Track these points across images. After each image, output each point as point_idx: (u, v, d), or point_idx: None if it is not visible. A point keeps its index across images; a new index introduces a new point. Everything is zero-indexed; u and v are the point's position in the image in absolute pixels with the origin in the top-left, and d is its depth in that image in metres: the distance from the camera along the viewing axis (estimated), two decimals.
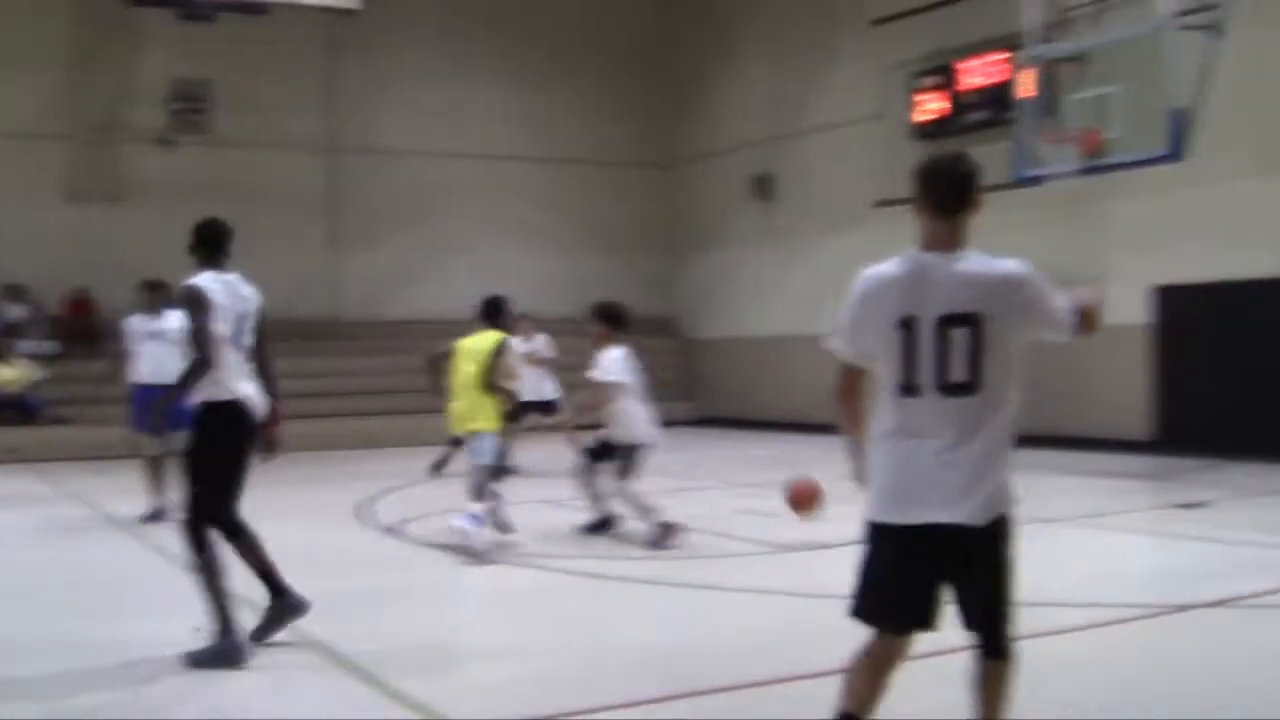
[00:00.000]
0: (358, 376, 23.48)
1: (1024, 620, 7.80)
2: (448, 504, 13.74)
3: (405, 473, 17.25)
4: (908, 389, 4.61)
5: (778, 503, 13.95)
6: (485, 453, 10.77)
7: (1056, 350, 18.38)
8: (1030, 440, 18.92)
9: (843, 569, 9.97)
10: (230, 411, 7.14)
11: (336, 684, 6.61)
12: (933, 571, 4.79)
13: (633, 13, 28.56)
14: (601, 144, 27.89)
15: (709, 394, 27.53)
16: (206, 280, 7.30)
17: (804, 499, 6.48)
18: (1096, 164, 16.25)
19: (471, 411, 10.91)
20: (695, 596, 8.92)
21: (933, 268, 4.70)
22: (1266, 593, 8.40)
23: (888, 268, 4.83)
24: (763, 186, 25.90)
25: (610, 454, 11.58)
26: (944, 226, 4.77)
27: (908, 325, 4.62)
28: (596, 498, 11.80)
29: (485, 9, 26.61)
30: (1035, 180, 16.99)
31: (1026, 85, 17.34)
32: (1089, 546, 10.82)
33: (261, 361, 7.50)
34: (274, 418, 7.42)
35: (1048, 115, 17.24)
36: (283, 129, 24.95)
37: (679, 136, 28.56)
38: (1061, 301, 4.82)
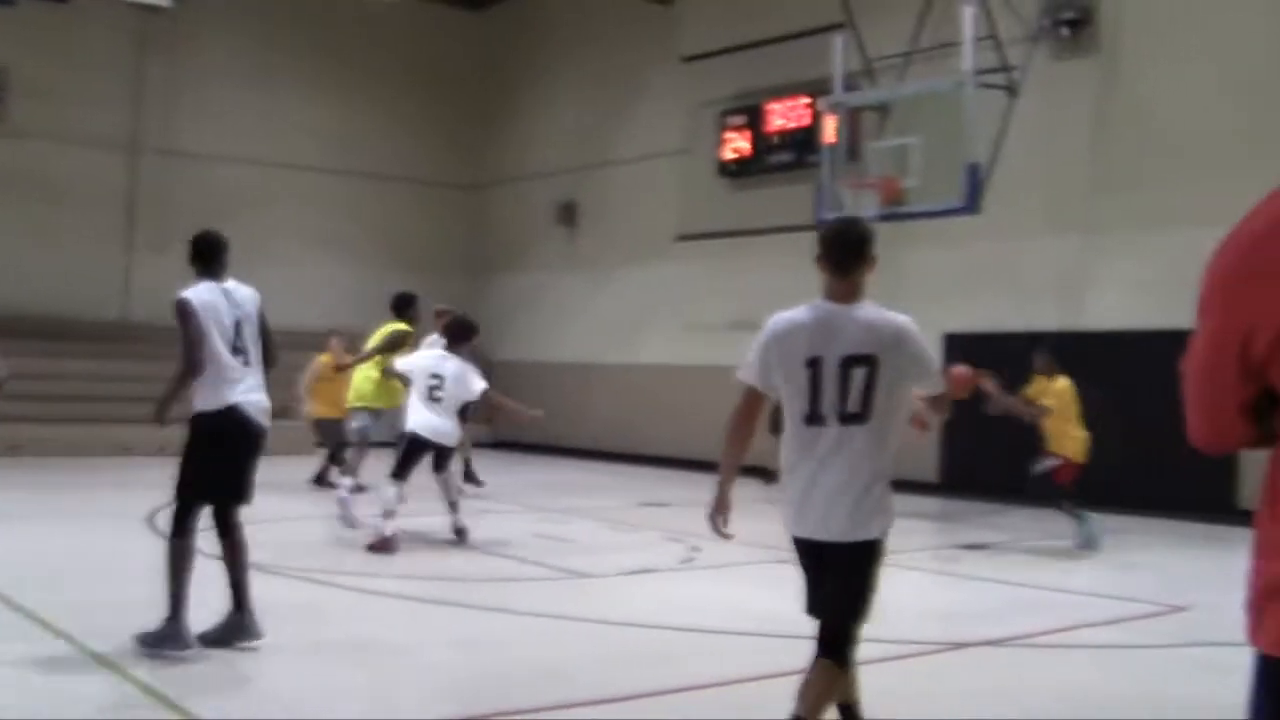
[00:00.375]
0: (150, 382, 22.84)
1: (807, 652, 8.07)
2: (247, 514, 13.60)
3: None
4: (811, 418, 5.32)
5: (574, 528, 14.18)
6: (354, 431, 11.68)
7: None
8: None
9: (639, 597, 10.20)
10: (219, 420, 7.36)
11: (119, 691, 6.51)
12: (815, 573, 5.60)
13: (447, 34, 28.50)
14: (410, 162, 27.76)
15: (505, 417, 27.47)
16: (196, 291, 7.33)
17: (962, 381, 7.28)
18: (895, 211, 16.67)
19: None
20: (491, 619, 8.94)
21: (835, 315, 5.49)
22: (1041, 633, 8.77)
23: (796, 314, 5.63)
24: (568, 214, 26.06)
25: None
26: (843, 283, 5.60)
27: (814, 364, 5.35)
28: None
29: (300, 19, 26.27)
30: None
31: (830, 131, 17.76)
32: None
33: (265, 364, 7.89)
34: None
35: (850, 161, 17.68)
36: (83, 123, 24.22)
37: (487, 159, 28.58)
38: (935, 362, 5.60)
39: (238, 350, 7.42)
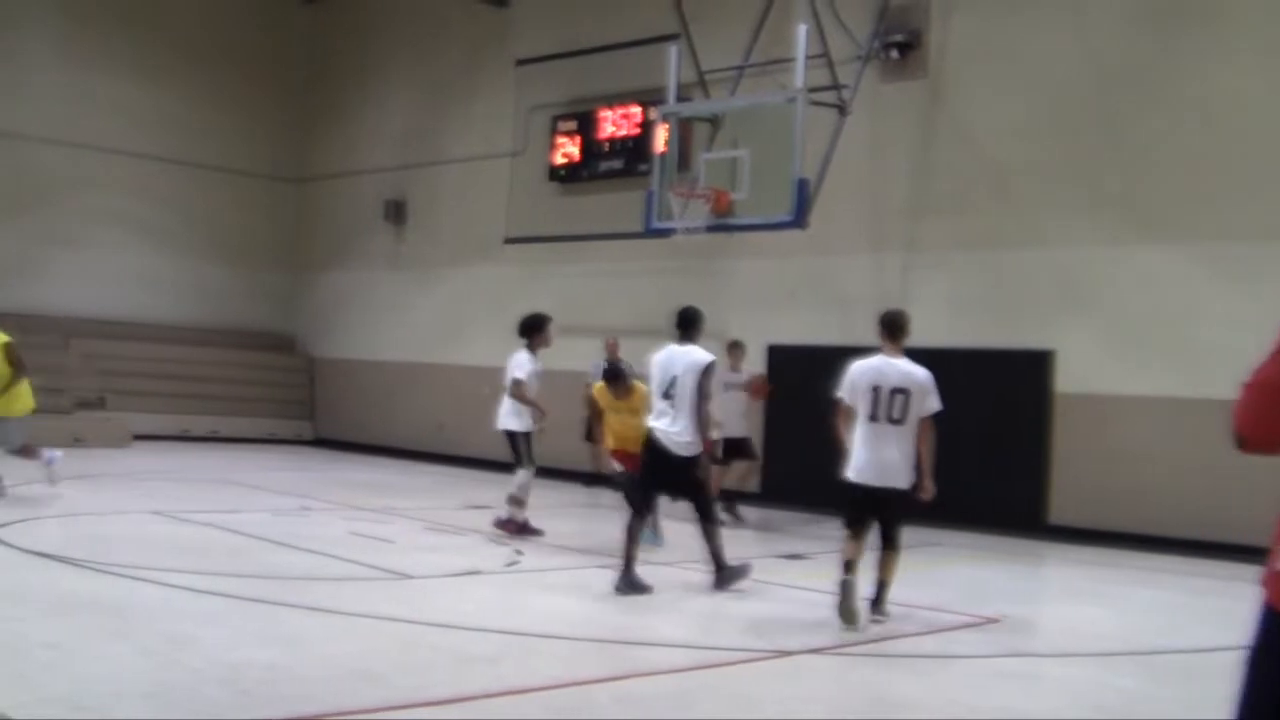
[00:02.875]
0: None
1: (629, 658, 8.13)
2: (57, 508, 13.26)
3: (6, 474, 16.40)
4: (873, 419, 9.53)
5: (393, 528, 14.06)
6: None
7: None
8: None
9: (455, 599, 10.15)
10: None
11: None
12: (871, 508, 9.59)
13: (278, 23, 28.12)
14: (234, 152, 27.26)
15: (328, 415, 27.24)
16: None
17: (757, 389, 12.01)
18: (724, 223, 16.83)
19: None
20: (307, 619, 8.81)
21: (888, 364, 9.64)
22: (858, 642, 8.92)
23: (869, 360, 9.71)
24: (397, 211, 25.83)
25: None
26: (893, 346, 9.71)
27: (875, 390, 9.55)
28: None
29: None
30: (665, 233, 17.51)
31: (661, 140, 17.87)
32: (696, 591, 11.21)
33: None
34: None
35: (681, 171, 17.80)
36: None
37: (315, 153, 28.21)
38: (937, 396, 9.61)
39: None
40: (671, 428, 10.58)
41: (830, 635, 9.11)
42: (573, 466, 20.43)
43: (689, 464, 10.66)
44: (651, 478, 10.90)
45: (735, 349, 16.70)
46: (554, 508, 17.10)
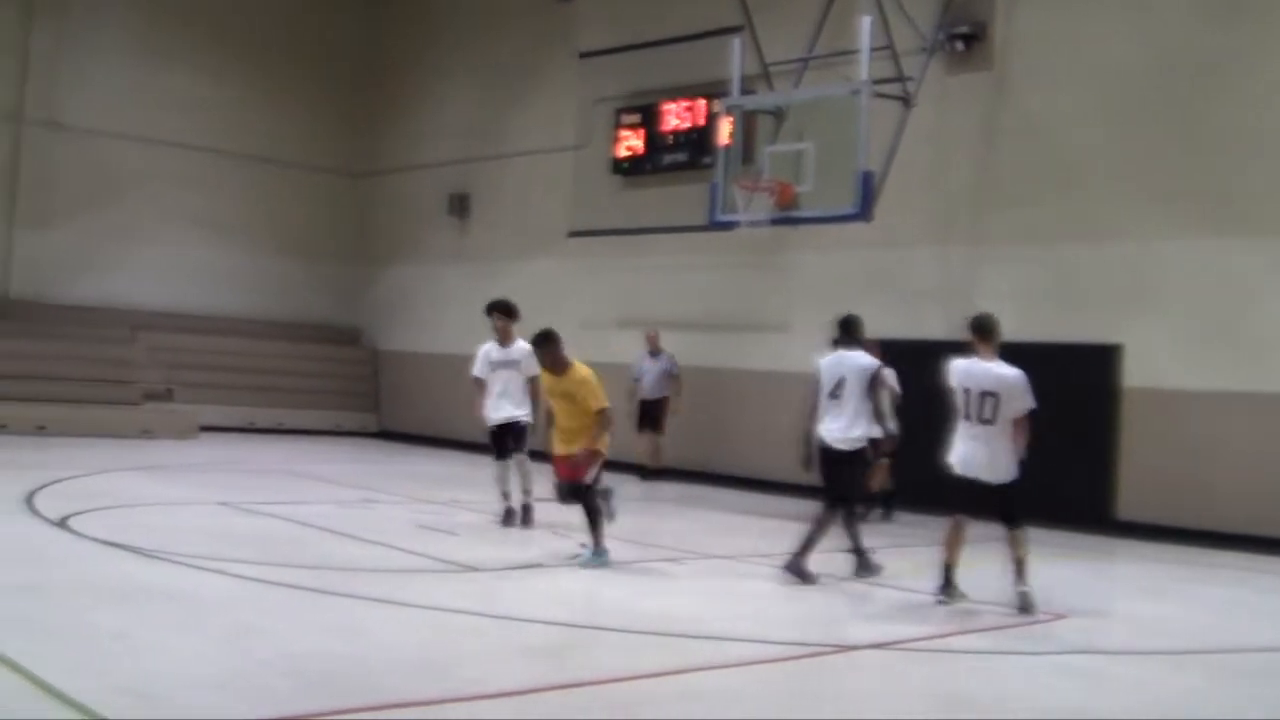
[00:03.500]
0: (27, 359, 22.41)
1: (692, 651, 8.12)
2: (125, 498, 13.41)
3: (79, 463, 16.64)
4: (966, 418, 10.07)
5: (457, 520, 14.13)
6: None
7: (736, 392, 18.99)
8: (706, 477, 19.49)
9: (519, 591, 10.18)
10: None
11: None
12: (966, 499, 10.16)
13: (343, 18, 28.25)
14: (300, 146, 27.42)
15: (392, 407, 27.36)
16: None
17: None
18: (787, 216, 16.77)
19: None
20: (373, 610, 8.87)
21: (977, 366, 10.14)
22: (922, 638, 8.87)
23: (962, 361, 10.26)
24: (460, 205, 25.90)
25: None
26: (984, 346, 10.22)
27: (966, 391, 10.09)
28: None
29: None
30: (729, 226, 17.47)
31: (725, 133, 17.82)
32: (758, 586, 11.19)
33: None
34: None
35: (744, 164, 17.75)
36: None
37: (379, 147, 28.32)
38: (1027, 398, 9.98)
39: None
40: (834, 424, 11.31)
41: (893, 630, 9.06)
42: (628, 459, 20.49)
43: (850, 458, 11.26)
44: (824, 478, 11.49)
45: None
46: (622, 501, 17.12)
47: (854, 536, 11.49)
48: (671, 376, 20.42)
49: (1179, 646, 9.29)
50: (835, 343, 11.99)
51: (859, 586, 11.18)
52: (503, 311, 14.64)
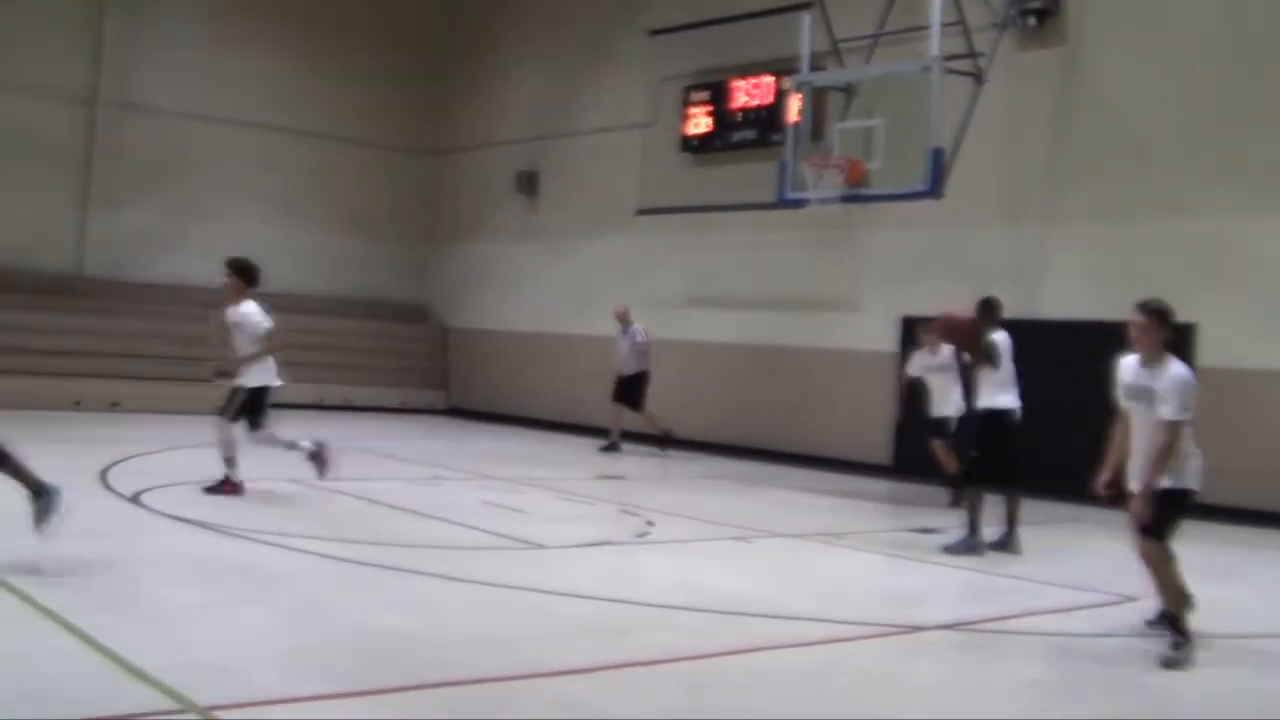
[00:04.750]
0: (101, 337, 22.66)
1: (760, 631, 8.08)
2: (196, 474, 13.52)
3: (152, 439, 16.82)
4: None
5: (525, 498, 14.17)
6: None
7: (805, 370, 18.93)
8: (774, 456, 19.47)
9: (587, 569, 10.19)
10: None
11: (73, 658, 6.41)
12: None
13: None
14: (368, 125, 27.52)
15: (461, 384, 27.47)
16: None
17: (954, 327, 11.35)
18: (858, 193, 16.64)
19: None
20: (439, 587, 8.89)
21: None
22: (992, 619, 8.80)
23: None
24: (528, 183, 25.92)
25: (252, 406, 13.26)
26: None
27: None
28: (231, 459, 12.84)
29: None
30: (798, 203, 17.38)
31: (795, 110, 17.72)
32: (827, 564, 11.16)
33: None
34: None
35: (814, 141, 17.64)
36: (40, 75, 23.85)
37: (447, 125, 28.39)
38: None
39: None
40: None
41: (963, 611, 8.99)
42: (696, 437, 20.49)
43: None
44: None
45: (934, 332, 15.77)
46: (683, 478, 17.11)
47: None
48: (640, 351, 20.63)
49: (1252, 630, 9.16)
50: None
51: (934, 566, 11.10)
52: (233, 270, 14.32)
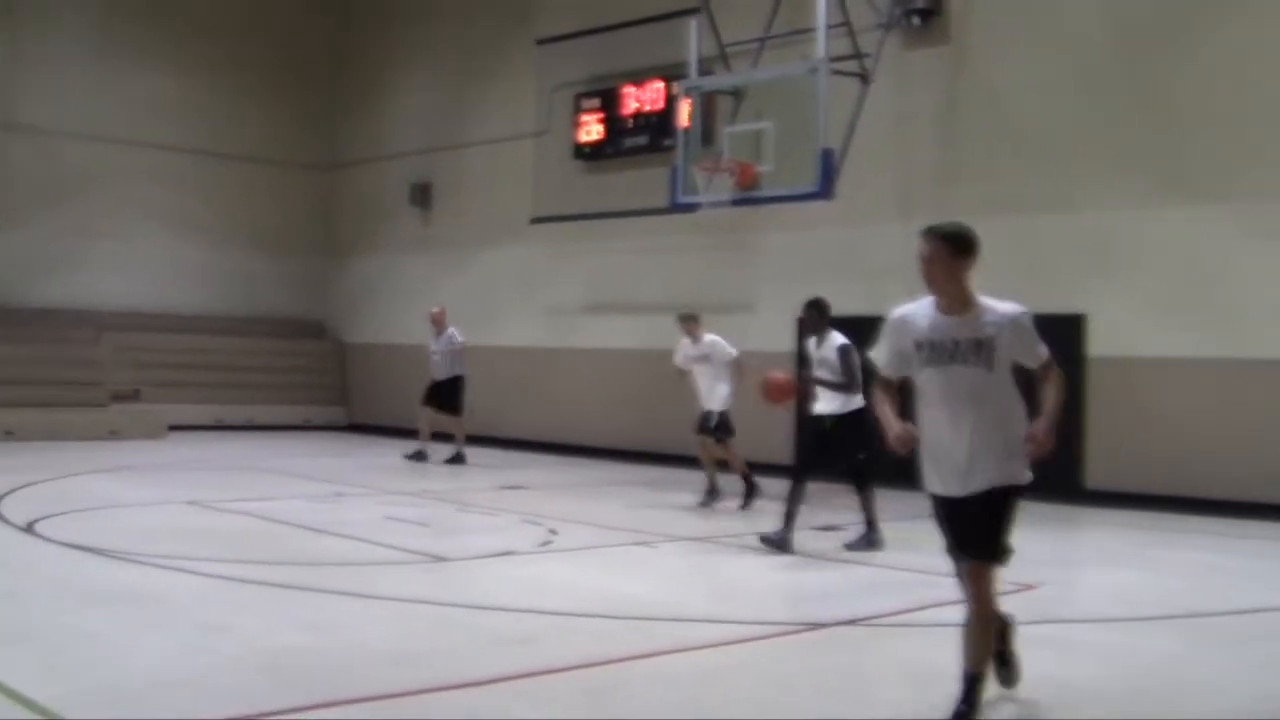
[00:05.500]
0: None
1: (663, 634, 8.13)
2: (93, 500, 13.36)
3: (46, 467, 16.56)
4: None
5: (428, 511, 14.10)
6: None
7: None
8: (676, 460, 19.49)
9: (491, 580, 10.17)
10: None
11: None
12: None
13: (298, 13, 28.08)
14: (259, 140, 27.28)
15: (361, 399, 27.30)
16: None
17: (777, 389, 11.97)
18: (750, 196, 16.77)
19: None
20: (343, 604, 8.85)
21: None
22: (894, 612, 8.91)
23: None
24: (422, 195, 25.83)
25: None
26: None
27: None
28: None
29: None
30: (691, 207, 17.47)
31: (685, 115, 17.81)
32: (730, 566, 11.23)
33: None
34: None
35: (705, 145, 17.75)
36: None
37: (339, 139, 28.23)
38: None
39: None
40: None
41: (862, 606, 9.08)
42: (599, 444, 20.50)
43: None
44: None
45: (689, 321, 15.97)
46: (585, 485, 17.12)
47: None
48: (456, 354, 20.27)
49: (1152, 612, 9.34)
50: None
51: (832, 563, 11.21)
52: None
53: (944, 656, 7.73)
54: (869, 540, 11.92)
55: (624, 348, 21.42)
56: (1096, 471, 16.18)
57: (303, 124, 28.03)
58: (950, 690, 6.23)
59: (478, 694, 6.55)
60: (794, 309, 18.81)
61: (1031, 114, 17.01)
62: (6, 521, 12.04)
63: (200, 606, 8.62)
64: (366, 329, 27.33)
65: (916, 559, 11.32)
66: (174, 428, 23.00)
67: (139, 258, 25.58)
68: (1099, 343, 16.25)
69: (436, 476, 17.88)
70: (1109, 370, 16.17)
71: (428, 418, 20.29)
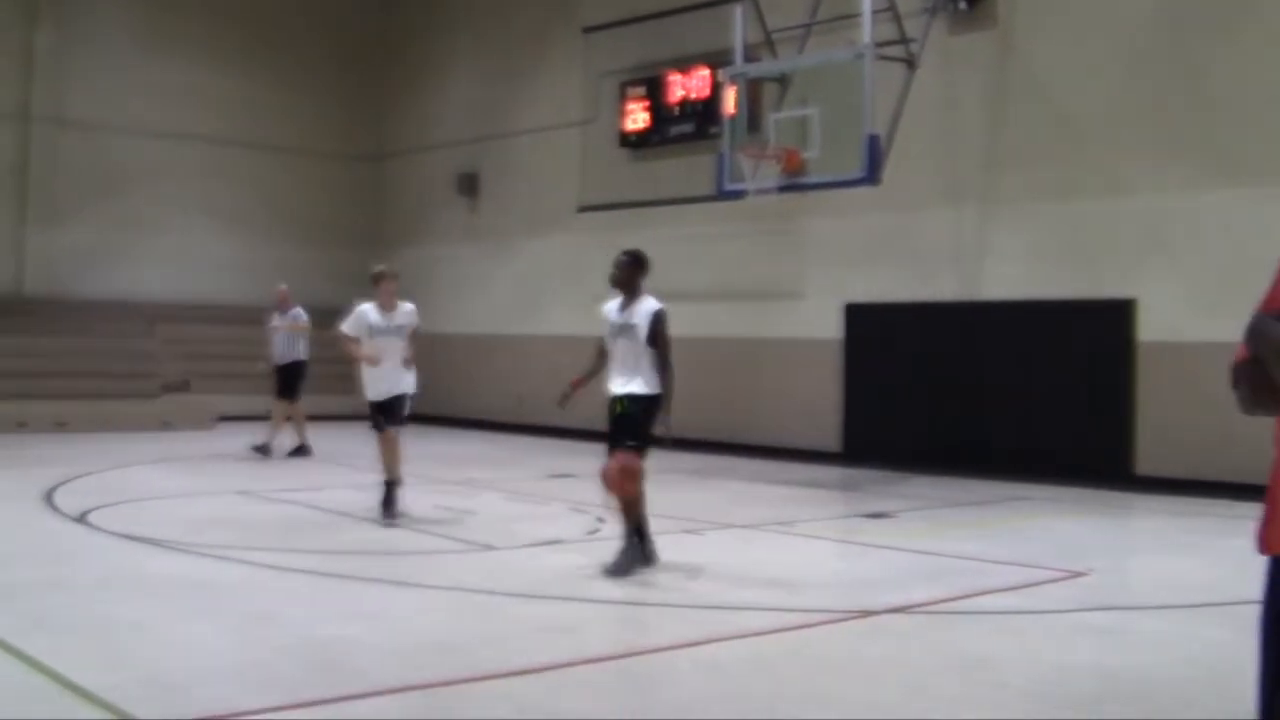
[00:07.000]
0: (45, 356, 22.49)
1: (716, 622, 8.11)
2: (144, 491, 13.45)
3: (99, 458, 16.70)
4: None
5: (477, 501, 14.14)
6: None
7: (752, 361, 19.01)
8: (724, 447, 19.54)
9: (538, 568, 10.18)
10: None
11: (16, 681, 6.37)
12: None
13: (345, 3, 28.20)
14: (307, 133, 27.42)
15: None
16: None
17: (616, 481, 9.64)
18: (796, 182, 16.71)
19: None
20: (390, 592, 8.90)
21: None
22: (943, 600, 8.85)
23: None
24: (469, 185, 25.88)
25: None
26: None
27: None
28: None
29: None
30: (737, 195, 17.42)
31: (730, 102, 17.75)
32: (779, 553, 11.20)
33: None
34: None
35: (751, 132, 17.69)
36: None
37: (386, 130, 28.32)
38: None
39: None
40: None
41: (914, 594, 9.04)
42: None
43: None
44: None
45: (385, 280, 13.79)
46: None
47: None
48: (298, 330, 18.70)
49: (1204, 599, 9.24)
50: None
51: (882, 551, 11.15)
52: None
53: (994, 645, 7.70)
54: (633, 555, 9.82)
55: (671, 335, 21.34)
56: (1147, 457, 16.03)
57: (350, 115, 28.13)
58: (999, 678, 6.19)
59: (522, 683, 6.55)
60: (842, 295, 18.87)
61: (1079, 97, 16.87)
62: (60, 512, 12.15)
63: (249, 596, 8.67)
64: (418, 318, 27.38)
65: (968, 546, 11.28)
66: (223, 418, 23.13)
67: (188, 250, 25.74)
68: (1150, 328, 16.10)
69: (482, 465, 17.89)
70: (1160, 355, 16.02)
71: (280, 409, 18.69)
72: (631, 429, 9.70)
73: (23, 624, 7.39)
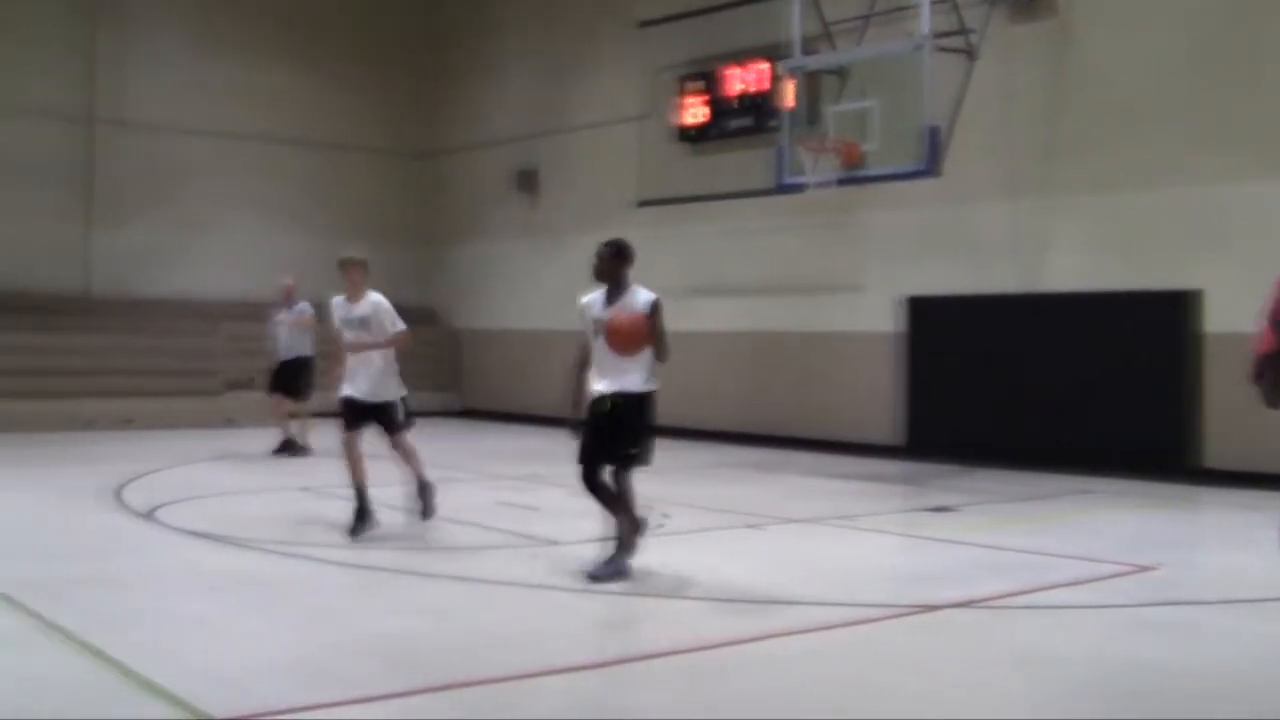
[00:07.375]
0: (111, 355, 22.73)
1: (777, 617, 8.09)
2: (210, 487, 13.57)
3: (165, 455, 16.89)
4: None
5: (539, 496, 14.17)
6: None
7: (811, 354, 18.93)
8: (783, 441, 19.51)
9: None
10: None
11: (84, 675, 6.45)
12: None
13: (394, 1, 28.32)
14: (364, 130, 27.54)
15: (471, 385, 27.49)
16: None
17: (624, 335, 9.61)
18: (854, 175, 16.63)
19: None
20: (457, 588, 8.93)
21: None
22: (1007, 594, 8.79)
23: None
24: (527, 180, 25.92)
25: None
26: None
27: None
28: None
29: None
30: (796, 188, 17.38)
31: (788, 95, 17.70)
32: (840, 547, 11.16)
33: None
34: None
35: (809, 125, 17.64)
36: (35, 95, 23.93)
37: (442, 126, 28.39)
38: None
39: None
40: None
41: (977, 589, 8.99)
42: (705, 426, 20.46)
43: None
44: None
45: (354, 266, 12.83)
46: (694, 468, 17.09)
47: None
48: (302, 325, 18.33)
49: (1270, 595, 9.13)
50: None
51: (945, 545, 11.09)
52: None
53: (1057, 641, 7.65)
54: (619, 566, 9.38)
55: (729, 330, 21.36)
56: (1215, 451, 15.86)
57: (405, 112, 28.23)
58: (1062, 673, 6.14)
59: (583, 678, 6.57)
60: (902, 288, 18.78)
61: (1140, 87, 16.69)
62: (128, 509, 12.30)
63: (310, 591, 8.74)
64: (477, 315, 27.50)
65: (1032, 540, 11.21)
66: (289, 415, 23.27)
67: (245, 248, 25.89)
68: (1216, 319, 15.91)
69: (542, 461, 17.91)
70: (1227, 347, 15.81)
71: (280, 407, 18.23)
72: (630, 434, 9.28)
73: (89, 618, 7.49)
